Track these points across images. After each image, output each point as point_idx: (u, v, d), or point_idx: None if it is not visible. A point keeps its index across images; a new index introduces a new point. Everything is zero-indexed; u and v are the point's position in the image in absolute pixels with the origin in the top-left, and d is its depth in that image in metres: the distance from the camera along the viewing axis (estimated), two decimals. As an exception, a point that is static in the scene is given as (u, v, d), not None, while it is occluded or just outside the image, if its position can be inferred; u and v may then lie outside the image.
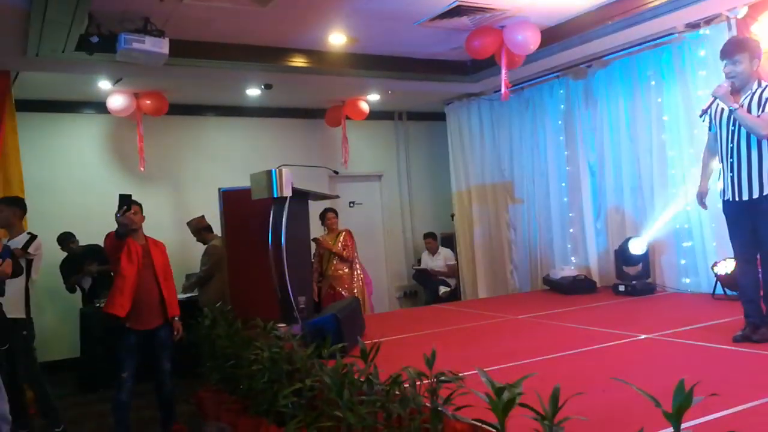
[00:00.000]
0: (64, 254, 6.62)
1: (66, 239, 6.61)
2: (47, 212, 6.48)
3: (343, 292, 6.48)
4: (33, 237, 4.65)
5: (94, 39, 4.77)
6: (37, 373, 4.76)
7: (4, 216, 4.74)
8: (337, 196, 6.80)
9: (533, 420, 1.89)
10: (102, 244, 4.58)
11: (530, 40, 5.59)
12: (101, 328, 5.94)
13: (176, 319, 4.61)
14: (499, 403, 1.98)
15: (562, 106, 7.17)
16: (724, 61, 3.66)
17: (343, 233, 6.71)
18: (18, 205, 4.96)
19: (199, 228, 6.57)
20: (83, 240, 6.67)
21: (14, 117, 5.67)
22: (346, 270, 6.63)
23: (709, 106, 3.76)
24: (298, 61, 6.15)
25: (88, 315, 6.43)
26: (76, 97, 7.09)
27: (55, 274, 6.53)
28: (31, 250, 4.58)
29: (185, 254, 6.85)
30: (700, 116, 3.86)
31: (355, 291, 6.58)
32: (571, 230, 7.10)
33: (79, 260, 6.55)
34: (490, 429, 2.13)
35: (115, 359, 4.46)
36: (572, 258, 7.03)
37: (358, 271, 6.78)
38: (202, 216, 6.64)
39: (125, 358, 4.44)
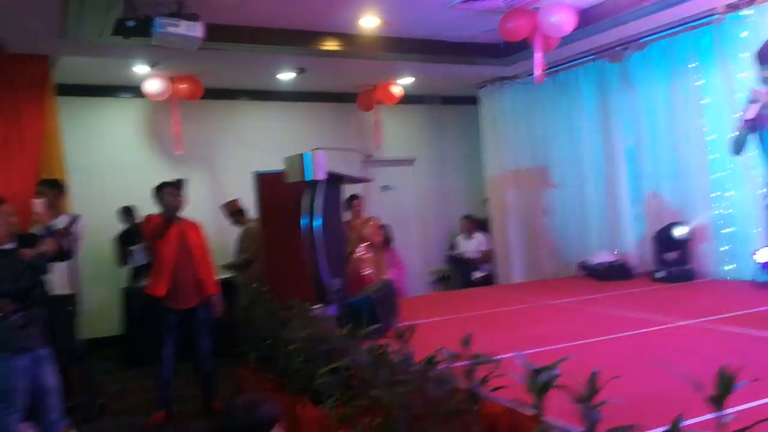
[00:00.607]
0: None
1: (127, 212, 6.77)
2: (88, 194, 6.61)
3: (368, 274, 6.49)
4: (75, 217, 4.77)
5: (130, 23, 4.82)
6: (78, 349, 4.91)
7: (47, 197, 4.87)
8: (371, 180, 6.80)
9: (570, 402, 1.88)
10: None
11: (565, 22, 5.48)
12: (143, 306, 6.08)
13: (215, 297, 4.71)
14: (536, 385, 1.99)
15: (598, 89, 7.04)
16: (764, 66, 3.52)
17: (371, 220, 6.73)
18: (58, 186, 5.11)
19: (234, 211, 6.67)
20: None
21: (55, 101, 5.79)
22: (372, 254, 6.66)
23: (759, 118, 3.58)
24: (330, 45, 6.14)
25: (130, 294, 6.62)
26: (114, 81, 7.22)
27: (102, 253, 6.74)
28: (73, 230, 4.70)
29: (221, 236, 6.95)
30: (740, 126, 3.68)
31: (380, 274, 6.60)
32: (607, 215, 7.00)
33: (135, 234, 6.69)
34: (527, 410, 2.13)
35: (157, 337, 4.59)
36: (608, 244, 6.92)
37: (383, 258, 6.81)
38: (237, 199, 6.73)
39: (166, 336, 4.57)
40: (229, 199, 6.76)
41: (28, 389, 3.63)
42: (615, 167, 6.85)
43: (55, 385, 3.79)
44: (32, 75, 5.60)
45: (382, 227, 7.08)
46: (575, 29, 5.60)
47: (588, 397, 1.86)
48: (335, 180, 4.99)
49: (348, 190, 6.60)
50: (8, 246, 3.66)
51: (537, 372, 1.99)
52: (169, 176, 5.17)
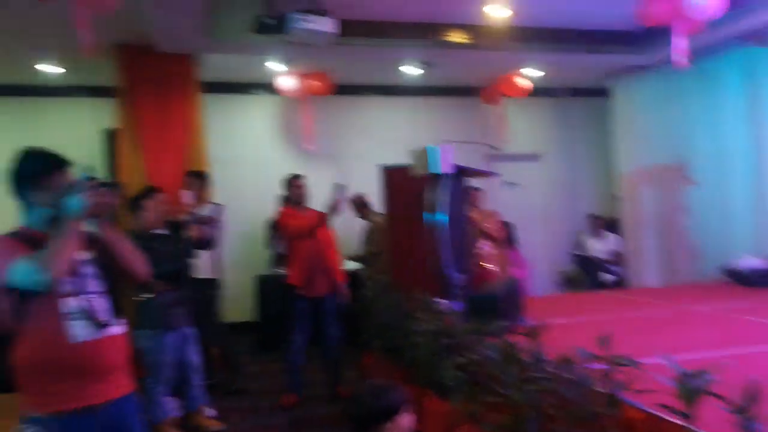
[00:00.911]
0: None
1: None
2: (228, 185, 6.99)
3: (491, 269, 6.37)
4: (218, 207, 5.08)
5: (269, 21, 5.05)
6: (222, 331, 5.25)
7: (193, 187, 5.23)
8: (497, 174, 6.66)
9: (723, 412, 1.74)
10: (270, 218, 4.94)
11: (711, 3, 5.06)
12: (277, 293, 6.37)
13: (342, 285, 4.88)
14: (687, 390, 1.85)
15: (746, 77, 6.49)
16: None
17: (492, 214, 6.61)
18: (203, 177, 5.49)
19: (359, 205, 6.82)
20: (257, 213, 7.18)
21: (199, 97, 6.19)
22: (494, 250, 6.53)
23: None
24: (457, 37, 6.09)
25: (265, 281, 6.95)
26: (249, 78, 7.62)
27: (240, 241, 7.16)
28: (217, 218, 5.02)
29: (346, 229, 7.11)
30: None
31: (503, 271, 6.45)
32: (755, 216, 6.42)
33: None
34: (675, 419, 1.99)
35: (289, 324, 4.82)
36: (757, 247, 6.34)
37: (505, 254, 6.66)
38: (362, 193, 6.86)
39: (298, 323, 4.78)
40: (355, 193, 6.90)
41: (174, 365, 3.92)
42: (765, 163, 6.28)
43: (198, 363, 4.07)
44: (180, 73, 6.02)
45: (504, 224, 6.94)
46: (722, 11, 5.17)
47: (747, 407, 1.71)
48: (460, 174, 4.95)
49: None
50: (160, 231, 3.97)
51: (689, 376, 1.85)
52: (301, 170, 5.38)
